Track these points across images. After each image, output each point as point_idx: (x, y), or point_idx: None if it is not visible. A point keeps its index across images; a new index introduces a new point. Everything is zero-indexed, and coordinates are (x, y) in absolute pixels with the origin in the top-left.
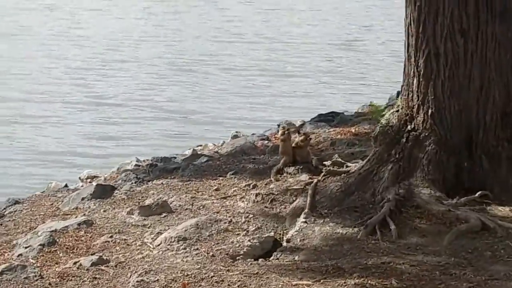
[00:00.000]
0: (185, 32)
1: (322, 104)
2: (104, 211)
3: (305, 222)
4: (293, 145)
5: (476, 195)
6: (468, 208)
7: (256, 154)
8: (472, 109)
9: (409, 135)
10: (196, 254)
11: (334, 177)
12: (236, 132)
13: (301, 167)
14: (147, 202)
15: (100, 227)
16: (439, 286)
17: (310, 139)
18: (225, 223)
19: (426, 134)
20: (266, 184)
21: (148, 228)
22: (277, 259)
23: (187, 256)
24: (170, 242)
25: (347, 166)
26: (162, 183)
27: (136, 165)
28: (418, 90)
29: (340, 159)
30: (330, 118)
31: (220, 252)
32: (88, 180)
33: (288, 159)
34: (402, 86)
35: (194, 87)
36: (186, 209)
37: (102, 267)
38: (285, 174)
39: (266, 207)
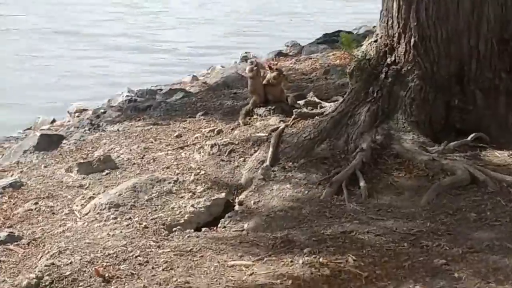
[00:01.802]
0: None
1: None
2: (45, 166)
3: (263, 179)
4: (264, 82)
5: (469, 138)
6: (458, 155)
7: (241, 86)
8: (463, 36)
9: (388, 70)
10: (127, 225)
11: (306, 120)
12: (246, 53)
13: (273, 107)
14: (96, 154)
15: (29, 190)
16: (404, 264)
17: (284, 75)
18: (169, 183)
19: (409, 67)
20: (232, 129)
21: (85, 189)
22: (224, 227)
23: (115, 229)
24: (100, 210)
25: (321, 107)
26: (118, 129)
27: (127, 95)
28: (399, 16)
29: (315, 98)
30: (335, 39)
31: (156, 222)
32: (76, 114)
33: (258, 99)
34: (381, 11)
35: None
36: (134, 163)
37: (11, 246)
38: (255, 116)
39: (222, 160)
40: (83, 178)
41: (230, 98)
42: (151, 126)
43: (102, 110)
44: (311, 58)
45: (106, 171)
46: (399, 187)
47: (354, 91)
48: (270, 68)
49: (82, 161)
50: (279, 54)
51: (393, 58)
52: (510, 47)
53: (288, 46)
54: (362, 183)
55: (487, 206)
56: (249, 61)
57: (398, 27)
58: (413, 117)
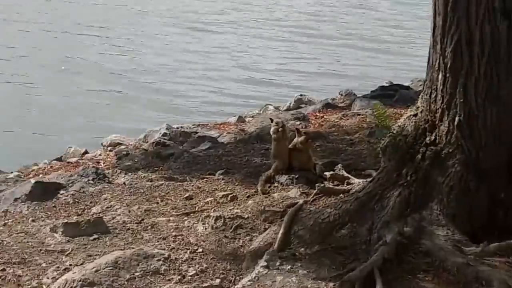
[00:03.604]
0: None
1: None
2: (33, 220)
3: (267, 266)
4: (290, 146)
5: None
6: (498, 260)
7: None
8: None
9: (426, 150)
10: None
11: (330, 197)
12: (301, 95)
13: (297, 176)
14: (93, 210)
15: (4, 250)
16: None
17: (312, 141)
18: (158, 260)
19: (450, 150)
20: (248, 197)
21: (65, 256)
22: None
23: None
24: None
25: (348, 183)
26: (124, 182)
27: (164, 133)
28: (444, 89)
29: (343, 172)
30: (391, 93)
31: None
32: (109, 148)
33: (281, 165)
34: (425, 81)
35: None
36: (129, 229)
37: None
38: (276, 184)
39: (226, 237)
40: (68, 241)
41: (260, 154)
42: (164, 181)
43: (125, 152)
44: (359, 115)
45: (95, 236)
46: None
47: (385, 170)
48: (298, 131)
49: (71, 220)
50: (327, 105)
51: (433, 137)
52: None
53: (341, 95)
54: (379, 286)
55: None
56: (274, 120)
57: (442, 102)
58: (450, 209)
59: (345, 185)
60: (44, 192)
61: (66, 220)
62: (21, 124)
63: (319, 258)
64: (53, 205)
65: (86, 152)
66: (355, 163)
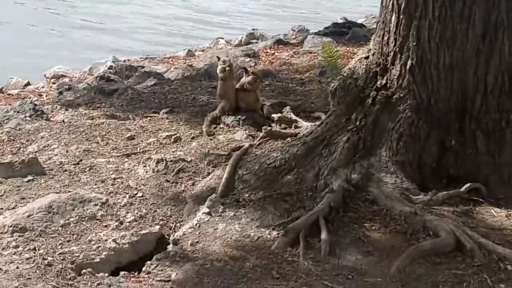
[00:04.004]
0: None
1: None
2: None
3: (209, 213)
4: (237, 86)
5: (463, 188)
6: (446, 209)
7: None
8: (469, 65)
9: (377, 94)
10: (28, 258)
11: (276, 141)
12: (253, 29)
13: (244, 117)
14: (29, 149)
15: None
16: None
17: (261, 81)
18: (95, 205)
19: (401, 95)
20: (192, 138)
21: None
22: (148, 273)
23: (12, 262)
24: (1, 233)
25: (296, 126)
26: (63, 119)
27: (110, 67)
28: (397, 31)
29: (291, 114)
30: (344, 31)
31: (64, 259)
32: (53, 80)
33: (228, 105)
34: (377, 23)
35: None
36: (66, 170)
37: None
38: (222, 126)
39: (167, 181)
40: (0, 182)
41: (207, 92)
42: (106, 119)
43: (67, 86)
44: (311, 53)
45: (29, 177)
46: (369, 244)
47: (334, 114)
48: (246, 70)
49: (4, 160)
50: (279, 42)
51: (384, 81)
52: None
53: (294, 31)
54: (324, 235)
55: (470, 285)
56: (221, 59)
57: (395, 45)
58: (399, 156)
59: (292, 128)
60: None
61: (7, 156)
62: None
63: (263, 205)
64: None
65: (28, 84)
66: (305, 104)
